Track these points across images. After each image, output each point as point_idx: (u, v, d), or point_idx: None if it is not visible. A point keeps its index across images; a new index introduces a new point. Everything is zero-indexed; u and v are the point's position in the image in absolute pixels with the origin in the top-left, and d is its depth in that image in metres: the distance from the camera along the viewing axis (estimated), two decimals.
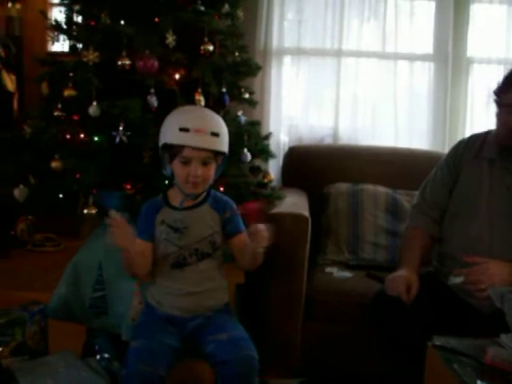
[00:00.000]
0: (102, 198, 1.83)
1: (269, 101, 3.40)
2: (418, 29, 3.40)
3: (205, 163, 1.87)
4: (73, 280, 2.27)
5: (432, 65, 3.39)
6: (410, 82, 3.43)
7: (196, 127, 1.82)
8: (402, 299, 2.00)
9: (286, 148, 3.41)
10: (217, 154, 1.91)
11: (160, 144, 1.90)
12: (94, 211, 2.11)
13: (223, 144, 1.91)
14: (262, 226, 1.80)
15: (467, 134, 2.50)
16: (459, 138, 2.65)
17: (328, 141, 3.47)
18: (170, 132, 1.86)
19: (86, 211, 2.12)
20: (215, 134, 1.86)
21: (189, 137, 1.82)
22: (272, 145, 2.72)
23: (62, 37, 2.52)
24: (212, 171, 1.91)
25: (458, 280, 2.00)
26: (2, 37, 4.54)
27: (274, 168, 3.11)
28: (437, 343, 1.55)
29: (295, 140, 3.47)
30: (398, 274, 2.11)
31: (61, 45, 2.62)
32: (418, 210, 2.32)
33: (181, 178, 1.88)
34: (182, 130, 1.82)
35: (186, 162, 1.85)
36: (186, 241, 1.90)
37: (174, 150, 1.86)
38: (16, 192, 2.26)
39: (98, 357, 2.16)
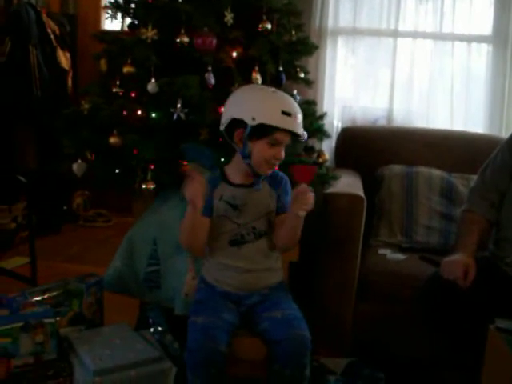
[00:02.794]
0: (192, 151, 1.83)
1: (323, 81, 3.39)
2: (477, 9, 3.31)
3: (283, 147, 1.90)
4: (128, 254, 2.31)
5: (491, 46, 3.30)
6: (467, 64, 3.35)
7: (295, 113, 1.85)
8: (458, 283, 1.98)
9: (339, 129, 3.39)
10: None
11: (253, 123, 1.82)
12: (151, 186, 2.14)
13: None
14: (309, 188, 1.81)
15: None
16: None
17: (381, 122, 3.44)
18: (270, 113, 1.82)
19: (144, 186, 2.14)
20: (300, 121, 1.90)
21: (290, 121, 1.84)
22: (325, 125, 2.70)
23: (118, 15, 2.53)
24: None
25: None
26: (56, 15, 4.61)
27: (326, 148, 3.08)
28: (500, 326, 1.53)
29: (348, 121, 3.45)
30: (454, 257, 2.08)
31: (115, 23, 2.65)
32: (477, 193, 2.29)
33: (263, 158, 1.87)
34: (284, 113, 1.82)
35: (274, 144, 1.86)
36: (244, 218, 1.92)
37: (265, 131, 1.84)
38: (74, 167, 2.31)
39: (152, 330, 2.20)
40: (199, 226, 1.89)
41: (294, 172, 1.85)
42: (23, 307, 2.01)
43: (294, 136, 1.90)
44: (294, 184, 1.90)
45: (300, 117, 1.88)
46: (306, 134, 2.36)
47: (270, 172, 1.93)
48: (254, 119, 1.82)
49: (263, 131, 1.83)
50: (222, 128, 1.94)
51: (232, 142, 1.92)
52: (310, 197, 1.80)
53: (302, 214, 1.82)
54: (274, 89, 1.98)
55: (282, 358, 1.78)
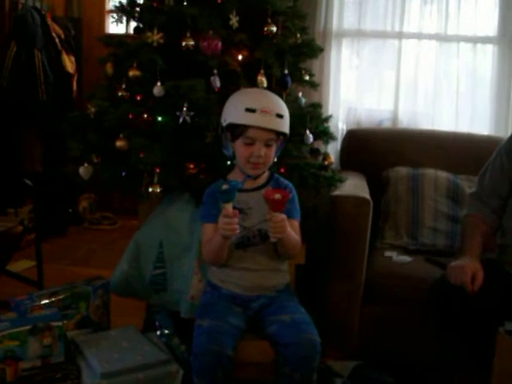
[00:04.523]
0: (223, 194, 1.81)
1: (327, 83, 3.39)
2: (482, 10, 3.31)
3: (267, 144, 1.90)
4: (134, 257, 2.31)
5: (496, 47, 3.30)
6: (472, 65, 3.35)
7: (262, 108, 1.86)
8: (466, 288, 1.98)
9: (344, 131, 3.39)
10: (278, 135, 1.94)
11: (224, 124, 1.93)
12: (158, 189, 2.14)
13: (286, 126, 1.95)
14: (282, 217, 1.81)
15: None
16: None
17: (387, 124, 3.44)
18: (235, 112, 1.89)
19: (150, 189, 2.14)
20: (280, 116, 1.90)
21: (255, 117, 1.85)
22: (330, 127, 2.69)
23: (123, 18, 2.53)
24: (273, 153, 1.96)
25: None
26: (61, 19, 4.63)
27: (331, 151, 3.09)
28: (509, 329, 1.53)
29: (353, 123, 3.45)
30: (461, 262, 2.07)
31: (119, 26, 2.65)
32: (477, 198, 2.29)
33: (243, 158, 1.91)
34: (248, 110, 1.86)
35: (250, 143, 1.88)
36: (250, 222, 1.93)
37: (238, 130, 1.90)
38: (81, 170, 2.31)
39: (159, 332, 2.21)
40: (226, 247, 1.91)
41: (266, 201, 1.82)
42: (31, 310, 2.02)
43: (279, 133, 1.93)
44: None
45: (273, 112, 1.88)
46: (311, 136, 2.38)
47: (255, 172, 1.95)
48: (225, 120, 1.92)
49: (236, 130, 1.90)
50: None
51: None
52: (281, 226, 1.81)
53: (273, 240, 1.85)
54: (255, 89, 2.08)
55: (292, 361, 1.78)
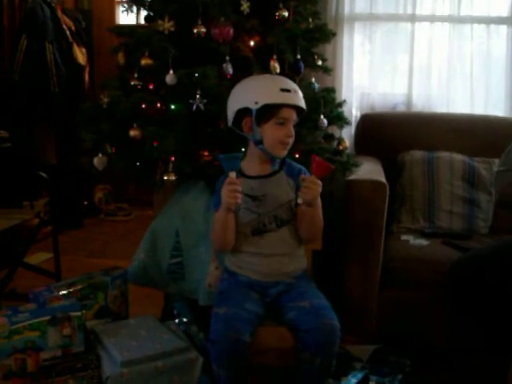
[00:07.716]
0: (227, 161, 1.84)
1: (340, 68, 3.35)
2: None
3: (293, 125, 1.93)
4: (151, 246, 2.32)
5: (510, 28, 3.23)
6: (486, 46, 3.29)
7: (294, 89, 1.92)
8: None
9: (358, 115, 3.37)
10: None
11: (254, 105, 1.89)
12: (173, 178, 2.13)
13: None
14: (318, 182, 1.83)
15: None
16: None
17: (401, 108, 3.40)
18: (270, 93, 1.89)
19: (165, 178, 2.14)
20: (302, 98, 1.95)
21: (291, 96, 1.90)
22: (344, 112, 2.68)
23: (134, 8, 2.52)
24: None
25: None
26: (71, 11, 4.63)
27: (345, 136, 3.06)
28: None
29: (367, 108, 3.41)
30: None
31: (130, 17, 2.65)
32: (504, 176, 2.26)
33: (276, 139, 1.91)
34: (283, 90, 1.88)
35: (282, 123, 1.90)
36: (265, 208, 1.92)
37: (270, 112, 1.89)
38: (95, 161, 2.31)
39: (177, 321, 2.22)
40: (230, 225, 1.91)
41: (312, 162, 1.86)
42: (50, 301, 2.03)
43: (298, 112, 1.95)
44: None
45: (300, 93, 1.94)
46: (325, 121, 2.37)
47: (284, 153, 1.96)
48: (256, 103, 1.89)
49: (268, 112, 1.89)
50: (230, 124, 2.00)
51: (243, 133, 1.98)
52: (315, 189, 1.83)
53: (300, 201, 1.85)
54: (268, 74, 2.12)
55: (313, 347, 1.78)
